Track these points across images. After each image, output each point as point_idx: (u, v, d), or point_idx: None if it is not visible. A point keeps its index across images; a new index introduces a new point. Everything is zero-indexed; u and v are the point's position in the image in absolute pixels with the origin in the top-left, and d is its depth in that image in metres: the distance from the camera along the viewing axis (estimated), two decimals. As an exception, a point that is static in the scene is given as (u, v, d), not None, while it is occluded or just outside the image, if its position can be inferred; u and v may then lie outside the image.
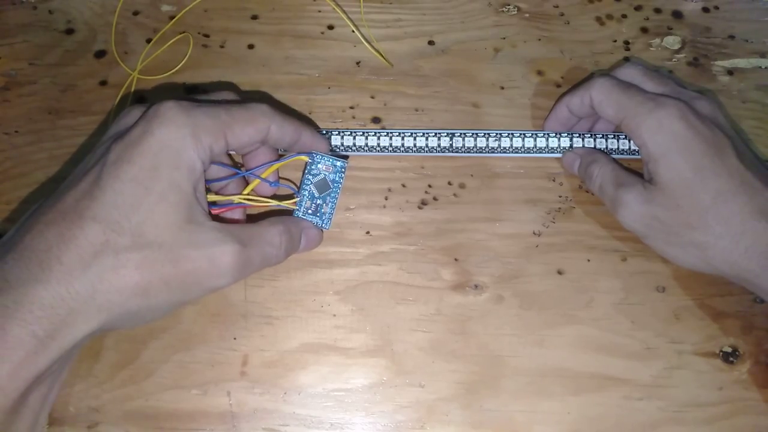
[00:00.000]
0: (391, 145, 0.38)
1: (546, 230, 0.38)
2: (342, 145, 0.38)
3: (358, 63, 0.41)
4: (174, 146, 0.29)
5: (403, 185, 0.38)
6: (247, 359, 0.35)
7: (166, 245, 0.28)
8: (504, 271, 0.37)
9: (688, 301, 0.36)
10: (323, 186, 0.35)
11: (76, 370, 0.34)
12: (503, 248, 0.37)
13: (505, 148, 0.38)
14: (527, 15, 0.43)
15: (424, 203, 0.38)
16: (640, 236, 0.35)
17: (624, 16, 0.44)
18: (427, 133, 0.39)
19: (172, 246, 0.28)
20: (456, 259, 0.37)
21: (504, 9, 0.44)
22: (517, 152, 0.39)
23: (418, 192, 0.38)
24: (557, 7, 0.44)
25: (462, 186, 0.38)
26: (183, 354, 0.34)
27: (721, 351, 0.35)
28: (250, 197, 0.34)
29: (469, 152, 0.39)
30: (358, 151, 0.38)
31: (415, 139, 0.38)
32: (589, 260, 0.37)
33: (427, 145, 0.38)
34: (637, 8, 0.44)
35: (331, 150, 0.37)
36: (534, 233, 0.37)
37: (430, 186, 0.38)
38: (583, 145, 0.39)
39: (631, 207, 0.34)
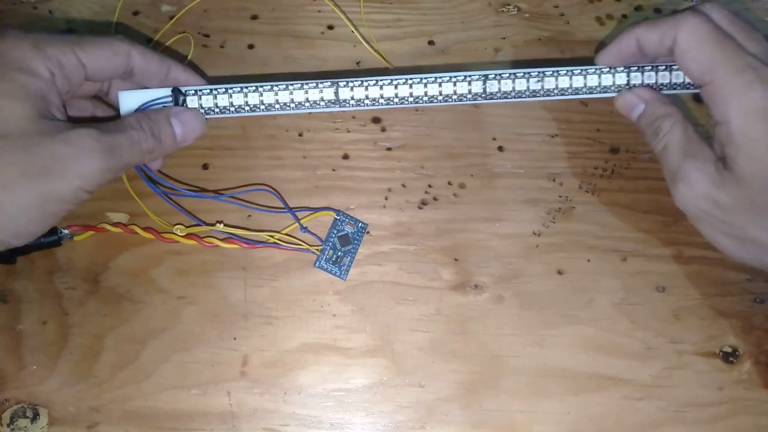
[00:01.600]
0: (426, 94, 0.35)
1: (546, 230, 0.38)
2: (368, 98, 0.35)
3: (358, 63, 0.41)
4: (14, 55, 0.29)
5: (403, 185, 0.38)
6: (247, 359, 0.35)
7: (14, 134, 0.28)
8: (504, 271, 0.37)
9: (688, 301, 0.36)
10: (345, 241, 0.36)
11: (76, 370, 0.34)
12: (503, 248, 0.37)
13: (549, 90, 0.34)
14: (527, 15, 0.43)
15: (424, 203, 0.38)
16: (691, 217, 0.32)
17: (624, 16, 0.44)
18: (455, 77, 0.35)
19: (22, 135, 0.28)
20: (456, 259, 0.37)
21: (504, 9, 0.44)
22: (563, 94, 0.34)
23: (418, 192, 0.38)
24: (557, 7, 0.44)
25: (462, 186, 0.38)
26: (183, 354, 0.34)
27: (721, 351, 0.35)
28: (281, 238, 0.36)
29: (506, 98, 0.35)
30: (390, 104, 0.36)
31: (440, 86, 0.35)
32: (589, 260, 0.37)
33: (455, 92, 0.35)
34: (637, 8, 0.44)
35: (210, 85, 0.36)
36: (534, 233, 0.37)
37: (430, 186, 0.38)
38: (643, 81, 0.34)
39: (695, 185, 0.30)
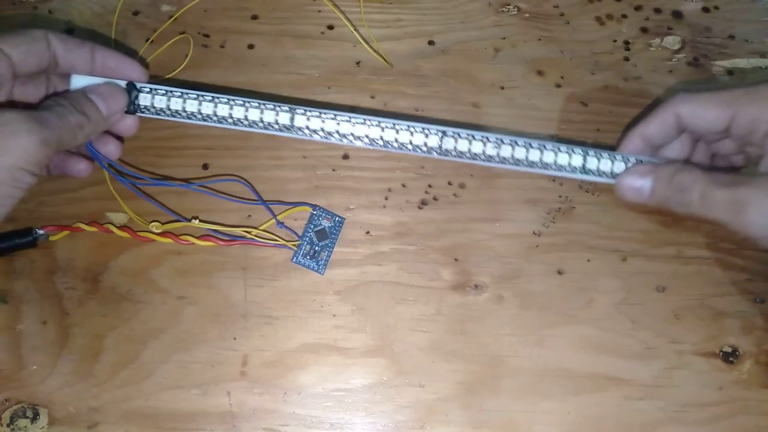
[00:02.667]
0: (426, 145, 0.35)
1: (546, 230, 0.38)
2: (322, 130, 0.35)
3: (358, 63, 0.41)
4: None
5: (403, 185, 0.38)
6: (247, 359, 0.35)
7: None
8: (504, 271, 0.37)
9: (688, 301, 0.36)
10: (322, 235, 0.36)
11: (76, 370, 0.34)
12: (503, 248, 0.37)
13: (561, 166, 0.34)
14: (527, 15, 0.43)
15: (424, 203, 0.38)
16: None
17: (624, 16, 0.44)
18: (457, 134, 0.34)
19: None
20: (456, 259, 0.37)
21: (504, 9, 0.43)
22: (580, 173, 0.34)
23: (418, 192, 0.38)
24: (557, 7, 0.44)
25: (462, 186, 0.38)
26: (183, 354, 0.34)
27: (721, 351, 0.35)
28: (258, 234, 0.36)
29: (516, 165, 0.34)
30: (356, 141, 0.35)
31: (441, 139, 0.34)
32: (589, 260, 0.37)
33: (455, 149, 0.34)
34: (637, 8, 0.44)
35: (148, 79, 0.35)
36: (534, 233, 0.37)
37: (430, 186, 0.38)
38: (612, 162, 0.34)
39: (765, 204, 0.28)
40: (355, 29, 0.42)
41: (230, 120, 0.35)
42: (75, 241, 0.36)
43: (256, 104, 0.35)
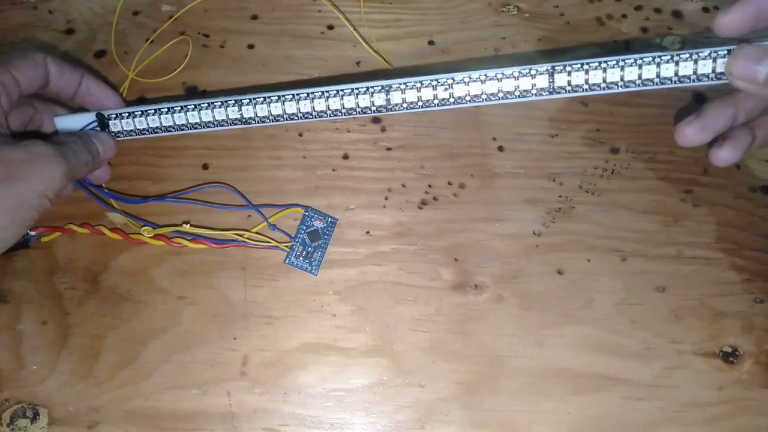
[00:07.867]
0: (464, 94, 0.33)
1: (546, 230, 0.38)
2: (314, 110, 0.34)
3: (358, 63, 0.41)
4: None
5: (403, 185, 0.38)
6: (247, 359, 0.35)
7: None
8: (504, 271, 0.37)
9: (688, 301, 0.36)
10: (315, 236, 0.36)
11: (76, 370, 0.34)
12: (503, 248, 0.37)
13: (651, 79, 0.32)
14: (527, 15, 0.43)
15: (424, 203, 0.38)
16: None
17: (624, 16, 0.44)
18: (509, 71, 0.32)
19: None
20: (456, 259, 0.37)
21: (504, 9, 0.44)
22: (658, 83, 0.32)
23: (418, 192, 0.38)
24: (557, 7, 0.44)
25: (462, 186, 0.38)
26: (183, 354, 0.34)
27: (721, 351, 0.35)
28: (249, 237, 0.36)
29: (594, 89, 0.32)
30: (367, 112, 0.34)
31: (536, 78, 0.32)
32: (589, 260, 0.37)
33: (518, 89, 0.32)
34: (637, 8, 0.44)
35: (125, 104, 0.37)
36: (534, 233, 0.37)
37: (430, 186, 0.38)
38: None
39: None
40: (355, 29, 0.42)
41: (215, 123, 0.35)
42: (75, 241, 0.36)
43: (248, 100, 0.35)
